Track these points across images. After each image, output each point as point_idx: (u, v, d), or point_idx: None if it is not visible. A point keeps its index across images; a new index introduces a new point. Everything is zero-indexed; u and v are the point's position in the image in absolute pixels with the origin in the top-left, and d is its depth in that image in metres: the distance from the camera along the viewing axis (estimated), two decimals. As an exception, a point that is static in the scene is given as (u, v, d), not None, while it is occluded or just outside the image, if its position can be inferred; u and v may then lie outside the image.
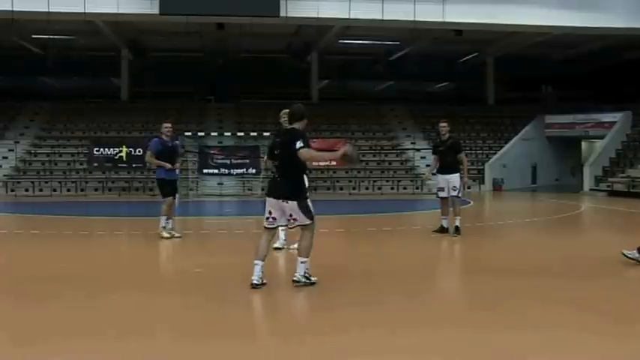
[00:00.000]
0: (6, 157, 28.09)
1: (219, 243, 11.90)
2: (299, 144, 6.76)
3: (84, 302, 6.61)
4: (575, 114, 31.29)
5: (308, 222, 6.99)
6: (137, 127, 30.85)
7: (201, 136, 26.87)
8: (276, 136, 7.26)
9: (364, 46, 33.10)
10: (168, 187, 11.31)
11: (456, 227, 11.55)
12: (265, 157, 7.40)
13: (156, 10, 22.58)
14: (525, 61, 34.89)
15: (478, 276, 8.11)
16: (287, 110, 9.92)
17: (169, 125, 11.21)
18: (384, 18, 23.70)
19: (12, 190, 26.14)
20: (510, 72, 36.12)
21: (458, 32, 26.42)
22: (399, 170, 29.48)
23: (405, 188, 28.01)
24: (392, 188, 27.97)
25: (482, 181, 29.63)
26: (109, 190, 26.86)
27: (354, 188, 27.69)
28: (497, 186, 29.17)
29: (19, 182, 26.56)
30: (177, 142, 12.32)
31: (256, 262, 6.87)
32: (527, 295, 6.84)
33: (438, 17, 23.87)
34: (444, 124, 11.91)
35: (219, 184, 27.32)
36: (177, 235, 11.28)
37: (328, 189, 27.65)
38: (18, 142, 28.76)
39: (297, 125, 7.06)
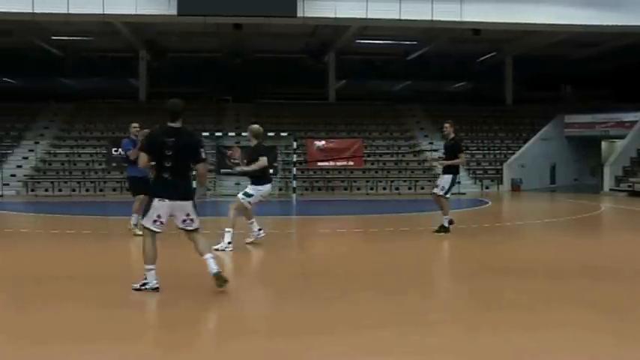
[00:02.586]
0: (26, 158, 28.33)
1: (237, 241, 11.89)
2: (204, 155, 6.88)
3: (104, 300, 6.62)
4: (595, 113, 30.97)
5: (198, 225, 6.86)
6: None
7: (218, 136, 26.91)
8: (162, 134, 6.81)
9: (381, 45, 32.99)
10: (141, 185, 11.14)
11: (442, 226, 11.77)
12: (142, 154, 6.85)
13: (174, 11, 22.66)
14: (544, 61, 34.64)
15: (496, 276, 8.04)
16: (252, 126, 10.21)
17: (137, 125, 11.50)
18: (402, 17, 23.61)
19: (32, 190, 26.36)
20: (529, 71, 35.90)
21: (476, 31, 26.26)
22: (416, 170, 29.36)
23: (422, 188, 27.83)
24: (409, 188, 27.84)
25: (500, 181, 29.43)
26: (127, 190, 26.95)
27: (371, 188, 27.61)
28: (515, 186, 28.96)
29: (38, 182, 26.77)
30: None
31: (150, 267, 6.75)
32: (546, 296, 6.78)
33: (455, 17, 23.73)
34: (447, 125, 12.17)
35: (236, 184, 27.36)
36: (139, 232, 10.96)
37: (345, 189, 27.60)
38: (38, 143, 29.00)
39: (180, 123, 6.90)
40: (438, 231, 11.77)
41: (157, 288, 6.68)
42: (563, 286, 7.35)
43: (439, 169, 13.17)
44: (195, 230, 6.86)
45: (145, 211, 6.89)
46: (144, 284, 6.76)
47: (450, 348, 5.01)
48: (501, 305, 6.49)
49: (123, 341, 5.21)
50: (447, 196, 11.92)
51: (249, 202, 10.18)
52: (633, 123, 29.39)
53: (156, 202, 6.72)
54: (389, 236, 12.73)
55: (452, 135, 12.14)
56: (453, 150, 11.98)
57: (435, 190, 12.07)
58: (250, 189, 10.10)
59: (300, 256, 9.77)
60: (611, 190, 26.69)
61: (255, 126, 10.35)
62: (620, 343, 5.15)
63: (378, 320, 5.81)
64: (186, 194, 6.80)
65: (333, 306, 6.38)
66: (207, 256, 6.78)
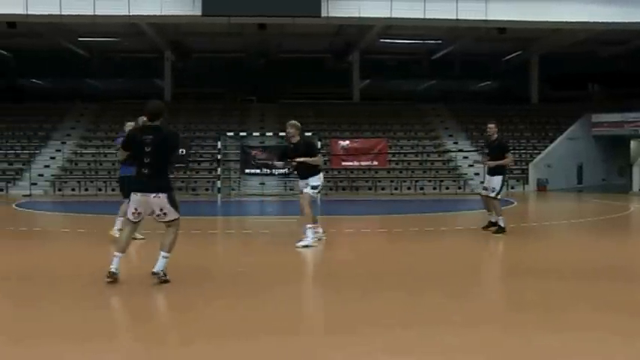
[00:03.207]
0: (53, 158, 28.70)
1: (261, 243, 11.93)
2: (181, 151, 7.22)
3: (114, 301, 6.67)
4: (623, 112, 30.55)
5: (176, 216, 7.18)
6: (180, 127, 31.17)
7: (243, 136, 27.02)
8: (141, 132, 7.31)
9: (406, 45, 32.87)
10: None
11: (499, 226, 11.64)
12: (121, 149, 7.46)
13: (198, 12, 22.79)
14: (571, 59, 34.27)
15: (520, 277, 7.96)
16: (294, 122, 10.25)
17: (133, 124, 11.08)
18: (426, 17, 23.51)
19: (59, 190, 26.68)
20: (555, 70, 35.54)
21: (501, 30, 26.05)
22: (441, 170, 29.21)
23: (447, 188, 27.73)
24: (434, 188, 27.71)
25: (526, 181, 29.16)
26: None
27: (395, 188, 27.52)
28: (541, 186, 28.68)
29: (65, 182, 27.08)
30: None
31: (117, 254, 7.11)
32: (570, 297, 6.69)
33: (480, 15, 23.56)
34: (492, 126, 12.08)
35: (260, 184, 27.44)
36: (139, 236, 10.60)
37: (370, 189, 27.55)
38: (65, 143, 29.37)
39: (159, 122, 7.25)
40: (497, 232, 11.57)
41: (114, 274, 6.99)
42: (590, 287, 7.26)
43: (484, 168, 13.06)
44: (171, 222, 7.21)
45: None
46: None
47: (474, 349, 4.96)
48: (526, 306, 6.42)
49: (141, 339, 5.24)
50: (499, 197, 11.88)
51: (318, 194, 10.40)
52: (662, 122, 28.95)
53: (132, 195, 7.22)
54: (413, 236, 12.67)
55: (495, 135, 12.08)
56: (499, 150, 11.89)
57: (485, 193, 11.99)
58: (313, 180, 10.14)
59: (324, 255, 9.76)
60: None
61: (296, 121, 10.40)
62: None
63: (402, 320, 5.79)
64: (159, 189, 7.09)
65: (356, 305, 6.36)
66: (163, 253, 7.10)
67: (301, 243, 9.91)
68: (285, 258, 9.47)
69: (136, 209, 7.18)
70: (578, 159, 30.79)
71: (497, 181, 11.77)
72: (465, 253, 10.45)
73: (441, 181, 28.06)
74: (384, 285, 7.41)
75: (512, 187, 28.64)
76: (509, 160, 12.09)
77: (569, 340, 5.17)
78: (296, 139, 10.30)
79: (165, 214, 7.13)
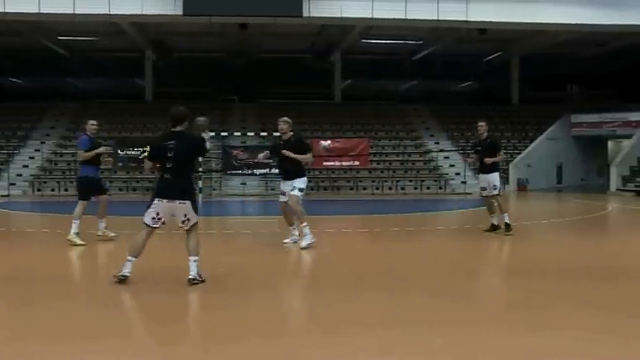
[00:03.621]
0: (32, 157, 28.42)
1: (242, 243, 11.90)
2: (208, 145, 7.48)
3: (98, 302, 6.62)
4: (601, 113, 30.88)
5: (196, 220, 7.17)
6: (161, 127, 30.91)
7: (224, 136, 26.93)
8: (163, 139, 7.31)
9: (387, 45, 32.96)
10: (93, 187, 10.90)
11: (507, 224, 11.57)
12: (147, 161, 7.38)
13: (179, 11, 22.70)
14: (551, 60, 34.55)
15: (502, 276, 8.02)
16: (285, 118, 10.20)
17: (95, 123, 11.04)
18: (408, 17, 23.61)
19: (38, 190, 26.43)
20: (535, 71, 35.84)
21: (482, 31, 26.21)
22: (422, 170, 29.32)
23: (428, 188, 27.84)
24: (415, 188, 27.81)
25: (506, 181, 29.34)
26: (134, 190, 27.04)
27: (377, 188, 27.58)
28: (521, 186, 28.90)
29: (45, 182, 26.83)
30: (100, 141, 12.05)
31: (130, 258, 7.01)
32: (552, 296, 6.74)
33: (461, 16, 23.69)
34: (482, 124, 12.03)
35: (242, 184, 27.38)
36: (112, 234, 10.96)
37: (351, 189, 27.59)
38: (44, 143, 29.09)
39: (182, 127, 7.33)
40: (507, 232, 11.48)
41: (126, 277, 6.94)
42: (570, 286, 7.32)
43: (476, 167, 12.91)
44: (192, 227, 7.14)
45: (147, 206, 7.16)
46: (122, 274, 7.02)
47: (455, 348, 4.98)
48: (507, 305, 6.47)
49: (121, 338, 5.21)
50: (501, 193, 11.90)
51: (302, 196, 10.12)
52: (640, 122, 29.30)
53: (156, 201, 7.06)
54: (394, 236, 12.71)
55: (486, 134, 12.06)
56: (491, 148, 11.85)
57: (486, 193, 11.92)
58: (300, 182, 10.02)
59: (306, 255, 9.75)
60: (617, 190, 26.60)
61: (287, 118, 10.32)
62: (626, 343, 5.11)
63: (384, 320, 5.79)
64: (184, 195, 7.07)
65: (339, 306, 6.36)
66: (193, 258, 7.07)
67: (304, 243, 9.87)
68: (266, 258, 9.46)
69: (157, 214, 7.07)
70: (557, 159, 31.07)
71: (495, 177, 11.77)
72: (445, 253, 10.50)
73: (422, 181, 28.16)
74: (367, 285, 7.42)
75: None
76: (501, 157, 12.16)
77: (550, 338, 5.20)
78: (287, 135, 10.25)
79: (188, 220, 7.11)
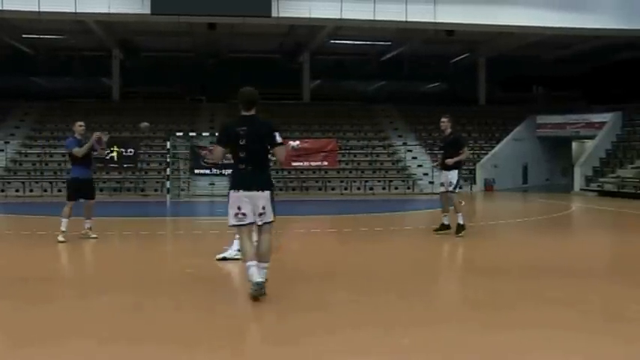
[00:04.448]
0: (-4, 158, 27.98)
1: (211, 243, 11.86)
2: (279, 138, 6.50)
3: (75, 303, 6.58)
4: (566, 114, 31.42)
5: (272, 219, 6.58)
6: (128, 127, 30.72)
7: (192, 136, 26.81)
8: (235, 124, 6.51)
9: (356, 46, 33.14)
10: (82, 189, 10.90)
11: (460, 225, 11.43)
12: (217, 147, 6.66)
13: (147, 10, 22.54)
14: (517, 62, 35.04)
15: (469, 276, 8.13)
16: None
17: (82, 124, 11.03)
18: (376, 18, 23.76)
19: (2, 191, 26.02)
20: (502, 72, 36.30)
21: (449, 32, 26.50)
22: (390, 170, 29.51)
23: (396, 188, 28.04)
24: (383, 188, 27.99)
25: (473, 181, 29.70)
26: (100, 190, 26.59)
27: (345, 188, 27.70)
28: (488, 186, 29.26)
29: (9, 182, 26.43)
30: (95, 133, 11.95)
31: (250, 264, 6.37)
32: (517, 295, 6.86)
33: (429, 17, 23.94)
34: (445, 120, 11.72)
35: (210, 184, 27.27)
36: (93, 235, 11.03)
37: (320, 189, 27.66)
38: (8, 143, 28.63)
39: (254, 112, 6.57)
40: (458, 232, 11.38)
41: (261, 283, 6.29)
42: (535, 285, 7.44)
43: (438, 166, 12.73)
44: (268, 224, 6.56)
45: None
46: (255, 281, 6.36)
47: (424, 348, 5.04)
48: (474, 305, 6.55)
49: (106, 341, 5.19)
50: (456, 190, 11.68)
51: None
52: (603, 124, 29.91)
53: (232, 194, 6.47)
54: (363, 236, 12.78)
55: (449, 130, 11.74)
56: (455, 145, 11.61)
57: (443, 189, 11.73)
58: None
59: (274, 256, 9.76)
60: (581, 189, 27.09)
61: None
62: (589, 338, 5.23)
63: (354, 321, 5.83)
64: (262, 185, 6.46)
65: (307, 306, 6.38)
66: (265, 265, 6.51)
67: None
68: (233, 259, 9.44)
69: (239, 209, 6.39)
70: (523, 159, 31.54)
71: (454, 175, 11.52)
72: (414, 253, 10.59)
73: (390, 181, 28.35)
74: (335, 286, 7.46)
75: (461, 187, 29.10)
76: (465, 155, 11.88)
77: (517, 336, 5.28)
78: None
79: (265, 213, 6.47)
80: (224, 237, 12.44)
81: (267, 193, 6.48)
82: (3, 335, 5.39)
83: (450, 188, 11.57)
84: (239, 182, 6.48)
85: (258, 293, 6.24)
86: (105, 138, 11.35)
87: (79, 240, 10.87)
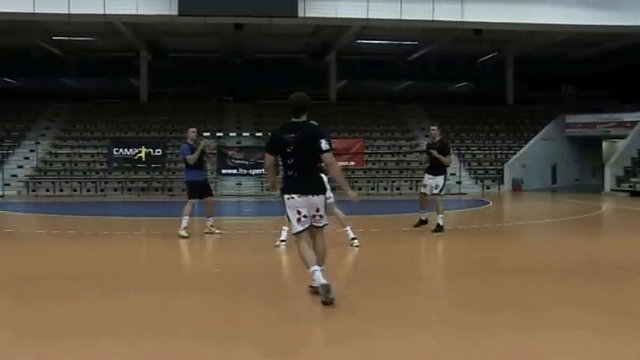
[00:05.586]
0: (27, 158, 28.38)
1: (238, 243, 11.91)
2: (325, 145, 6.31)
3: (103, 301, 6.63)
4: (596, 113, 30.98)
5: (327, 222, 6.58)
6: (156, 127, 31.05)
7: (219, 137, 26.95)
8: (283, 131, 6.43)
9: (382, 46, 33.02)
10: (198, 189, 11.76)
11: (439, 225, 11.99)
12: (266, 154, 6.63)
13: (175, 11, 22.69)
14: (545, 61, 34.67)
15: (496, 276, 8.04)
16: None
17: (195, 130, 12.17)
18: (403, 18, 23.63)
19: (33, 190, 26.39)
20: (530, 71, 35.93)
21: (477, 32, 26.27)
22: (417, 170, 29.31)
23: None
24: (410, 188, 27.81)
25: (501, 181, 29.43)
26: (129, 190, 27.01)
27: (372, 188, 27.63)
28: (516, 186, 28.97)
29: (39, 182, 26.80)
30: (201, 142, 12.81)
31: (314, 268, 6.24)
32: (545, 296, 6.76)
33: (456, 17, 23.73)
34: (434, 128, 12.85)
35: (237, 184, 27.39)
36: (217, 231, 11.94)
37: (346, 189, 27.57)
38: (39, 143, 29.04)
39: (305, 118, 6.49)
40: (436, 230, 11.94)
41: (328, 285, 6.13)
42: (564, 286, 7.34)
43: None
44: (323, 227, 6.55)
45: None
46: (315, 287, 6.38)
47: (447, 350, 4.99)
48: (500, 306, 6.47)
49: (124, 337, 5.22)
50: (442, 193, 12.26)
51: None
52: (634, 123, 29.39)
53: (286, 201, 6.41)
54: (391, 236, 12.71)
55: (439, 137, 12.64)
56: (441, 151, 12.29)
57: (425, 190, 12.36)
58: None
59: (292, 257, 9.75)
60: (612, 190, 26.68)
61: None
62: (619, 342, 5.14)
63: (385, 322, 5.79)
64: (314, 190, 6.41)
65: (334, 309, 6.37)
66: (320, 267, 6.32)
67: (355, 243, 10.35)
68: (258, 259, 9.46)
69: (299, 212, 6.34)
70: (552, 159, 31.16)
71: (440, 179, 12.23)
72: (440, 253, 10.52)
73: (417, 181, 28.13)
74: (351, 286, 7.43)
75: (488, 187, 28.91)
76: (449, 160, 12.52)
77: (543, 338, 5.21)
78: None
79: (321, 216, 6.46)
80: (251, 237, 12.49)
81: (321, 197, 6.48)
82: (43, 329, 5.46)
83: (436, 191, 12.25)
84: (291, 187, 6.41)
85: (329, 299, 6.09)
86: (208, 149, 12.78)
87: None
